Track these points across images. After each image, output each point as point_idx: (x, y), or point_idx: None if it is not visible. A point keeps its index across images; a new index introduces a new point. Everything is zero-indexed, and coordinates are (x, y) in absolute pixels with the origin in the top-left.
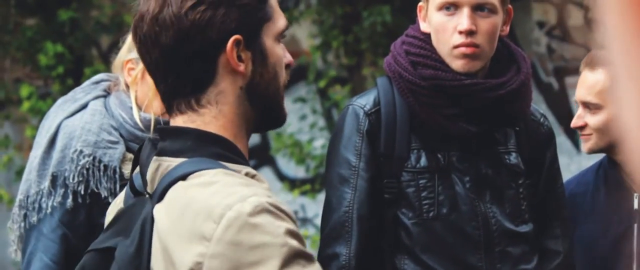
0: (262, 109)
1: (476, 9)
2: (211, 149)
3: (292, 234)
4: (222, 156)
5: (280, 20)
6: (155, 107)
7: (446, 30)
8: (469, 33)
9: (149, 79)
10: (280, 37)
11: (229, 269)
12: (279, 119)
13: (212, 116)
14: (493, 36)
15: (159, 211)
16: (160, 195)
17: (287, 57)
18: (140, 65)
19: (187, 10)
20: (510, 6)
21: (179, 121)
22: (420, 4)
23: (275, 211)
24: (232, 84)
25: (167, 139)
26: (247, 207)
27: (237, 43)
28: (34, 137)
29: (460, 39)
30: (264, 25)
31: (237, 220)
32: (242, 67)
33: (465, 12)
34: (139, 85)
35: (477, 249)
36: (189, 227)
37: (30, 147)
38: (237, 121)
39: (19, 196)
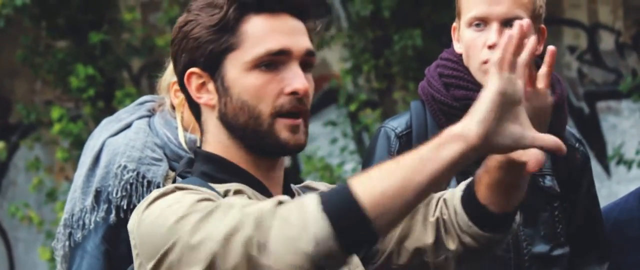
0: (243, 137)
1: (505, 24)
2: (202, 168)
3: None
4: (208, 176)
5: (255, 48)
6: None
7: (476, 46)
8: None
9: None
10: (257, 64)
11: (143, 244)
12: (273, 147)
13: (206, 141)
14: None
15: None
16: None
17: (291, 85)
18: None
19: (170, 44)
20: (543, 26)
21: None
22: (453, 24)
23: (183, 188)
24: (210, 114)
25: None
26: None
27: (197, 76)
28: (64, 159)
29: (488, 54)
30: (227, 55)
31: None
32: (203, 99)
33: (494, 27)
34: (185, 108)
35: None
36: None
37: (60, 170)
38: (221, 149)
39: (64, 215)
